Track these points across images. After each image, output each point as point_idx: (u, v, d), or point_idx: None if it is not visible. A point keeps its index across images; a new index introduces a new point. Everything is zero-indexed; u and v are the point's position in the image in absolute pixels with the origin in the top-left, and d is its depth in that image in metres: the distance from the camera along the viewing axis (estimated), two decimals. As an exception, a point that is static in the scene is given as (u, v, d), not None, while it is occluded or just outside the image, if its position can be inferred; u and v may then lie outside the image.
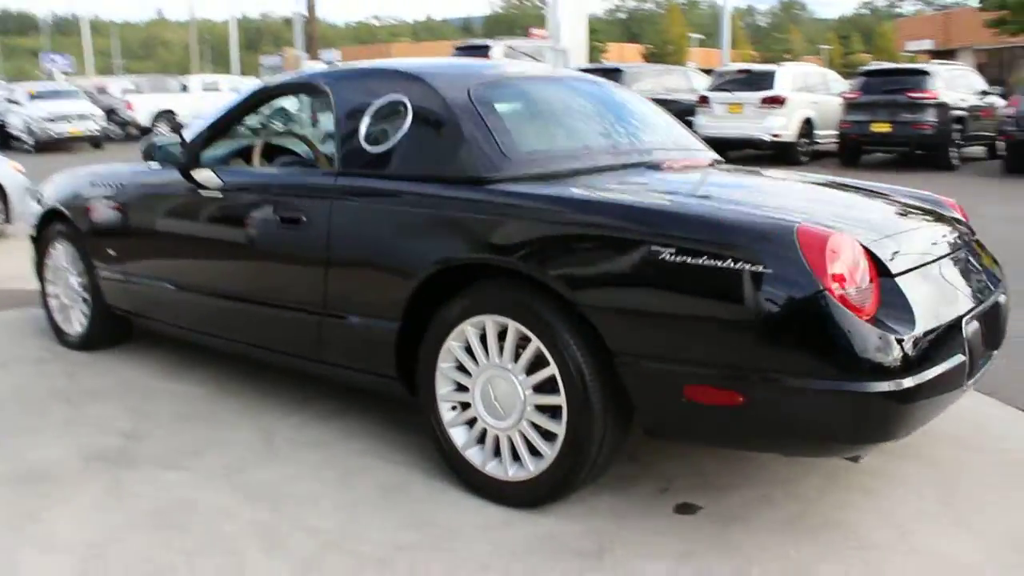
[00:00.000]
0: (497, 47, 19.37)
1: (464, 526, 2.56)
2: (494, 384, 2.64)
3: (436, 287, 2.74)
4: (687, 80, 17.43)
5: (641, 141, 3.32)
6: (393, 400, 3.11)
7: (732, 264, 2.23)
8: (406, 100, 2.97)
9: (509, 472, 2.65)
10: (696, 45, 70.57)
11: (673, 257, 2.30)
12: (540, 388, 2.57)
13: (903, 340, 2.21)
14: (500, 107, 2.98)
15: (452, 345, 2.71)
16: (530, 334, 2.53)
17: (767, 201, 2.68)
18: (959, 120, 13.46)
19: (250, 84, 3.74)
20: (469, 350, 2.70)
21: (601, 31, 71.62)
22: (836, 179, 3.34)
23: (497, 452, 2.70)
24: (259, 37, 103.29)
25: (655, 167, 3.13)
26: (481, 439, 2.73)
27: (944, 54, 46.14)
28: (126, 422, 3.37)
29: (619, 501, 2.71)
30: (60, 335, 4.49)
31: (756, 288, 2.21)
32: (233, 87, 25.34)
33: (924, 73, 13.51)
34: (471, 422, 2.75)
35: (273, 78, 3.81)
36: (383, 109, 3.03)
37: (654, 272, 2.32)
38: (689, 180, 3.09)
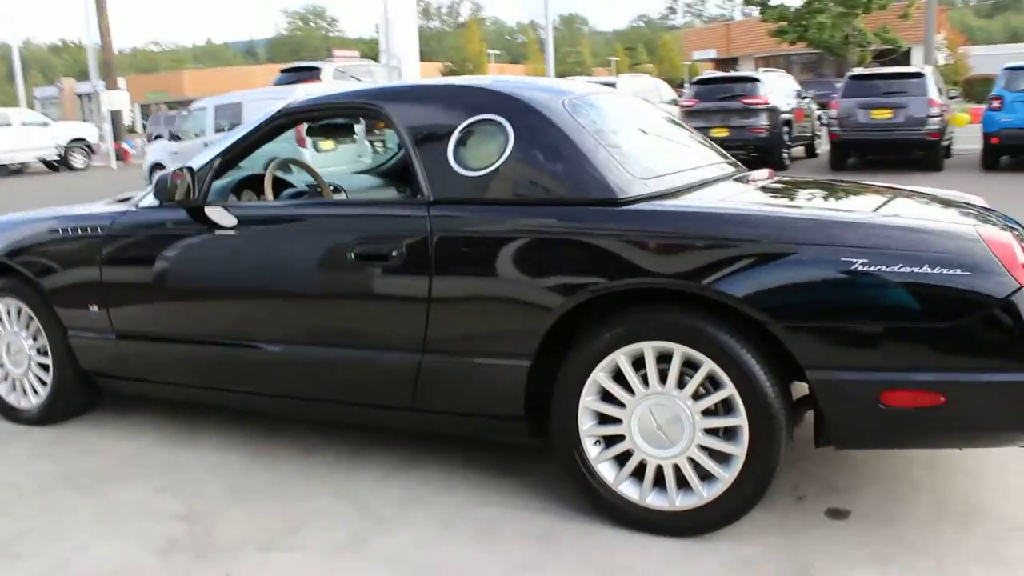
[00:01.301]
0: (328, 68, 18.85)
1: (643, 565, 2.40)
2: (656, 412, 2.50)
3: (567, 317, 2.57)
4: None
5: (705, 156, 3.28)
6: (473, 443, 2.89)
7: (929, 269, 2.23)
8: (502, 120, 2.75)
9: (676, 502, 2.51)
10: (492, 61, 72.07)
11: (867, 267, 2.26)
12: (710, 411, 2.46)
13: None
14: (599, 126, 2.83)
15: (599, 376, 2.54)
16: (702, 357, 2.41)
17: (911, 211, 2.69)
18: (787, 123, 14.50)
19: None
20: (619, 379, 2.54)
21: (374, 47, 71.61)
22: (882, 184, 3.43)
23: (655, 482, 2.55)
24: (24, 66, 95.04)
25: (744, 180, 3.10)
26: (636, 471, 2.57)
27: (727, 61, 49.83)
28: (174, 504, 2.92)
29: (771, 516, 2.64)
30: (6, 409, 3.87)
31: (955, 290, 2.22)
32: (25, 121, 23.18)
33: (754, 80, 14.43)
34: (622, 456, 2.58)
35: (297, 99, 3.42)
36: (473, 130, 2.79)
37: (847, 283, 2.28)
38: (812, 193, 3.06)
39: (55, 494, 3.06)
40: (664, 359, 2.49)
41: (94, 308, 3.46)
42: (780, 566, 2.37)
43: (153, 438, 3.54)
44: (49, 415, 3.75)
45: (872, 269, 2.27)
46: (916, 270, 2.25)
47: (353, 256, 2.82)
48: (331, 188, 3.95)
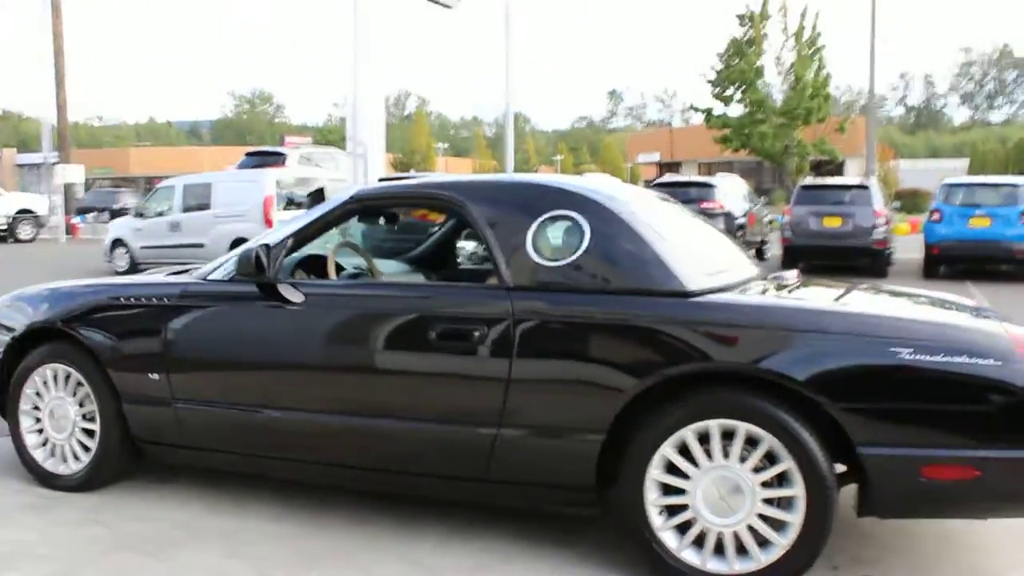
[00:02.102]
0: (293, 153, 19.21)
1: (713, 626, 2.61)
2: (718, 484, 2.76)
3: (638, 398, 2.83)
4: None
5: (739, 254, 3.63)
6: (525, 515, 3.08)
7: (967, 359, 2.58)
8: (577, 216, 3.06)
9: (735, 567, 2.76)
10: (440, 154, 73.44)
11: (913, 356, 2.60)
12: (768, 483, 2.73)
13: None
14: (660, 224, 3.17)
15: (667, 451, 2.80)
16: (764, 433, 2.70)
17: (938, 310, 3.06)
18: (741, 227, 15.22)
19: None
20: (684, 454, 2.80)
21: (327, 135, 72.48)
22: (899, 289, 3.82)
23: (716, 550, 2.79)
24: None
25: (781, 279, 3.44)
26: (697, 541, 2.81)
27: (671, 165, 51.80)
28: (245, 570, 3.04)
29: (814, 583, 2.88)
30: (43, 475, 3.90)
31: (988, 378, 2.57)
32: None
33: (710, 185, 15.21)
34: (683, 525, 2.82)
35: (367, 187, 3.68)
36: (550, 224, 3.09)
37: (895, 370, 2.61)
38: (847, 292, 3.38)
39: (120, 556, 3.15)
40: (726, 436, 2.76)
41: (154, 376, 3.59)
42: (835, 626, 2.62)
43: (201, 506, 3.64)
44: (90, 482, 3.81)
45: (917, 358, 2.61)
46: (954, 359, 2.60)
47: (435, 335, 3.05)
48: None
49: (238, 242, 14.37)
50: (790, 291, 3.26)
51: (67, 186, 26.79)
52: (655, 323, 2.84)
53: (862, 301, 3.20)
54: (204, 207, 14.73)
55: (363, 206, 3.58)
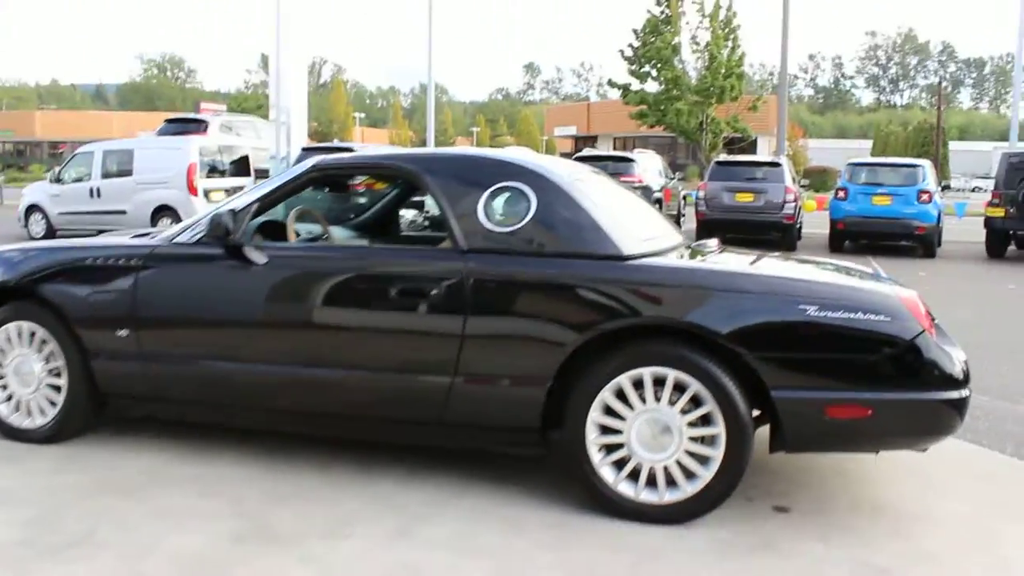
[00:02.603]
0: (214, 122, 18.97)
1: (646, 543, 3.02)
2: (651, 424, 3.16)
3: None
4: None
5: (666, 224, 4.02)
6: (471, 458, 3.43)
7: (862, 315, 3.03)
8: (525, 188, 3.40)
9: (665, 497, 3.17)
10: (358, 124, 72.63)
11: (817, 312, 3.04)
12: (694, 423, 3.14)
13: (964, 363, 3.15)
14: (598, 197, 3.53)
15: (606, 396, 3.18)
16: (690, 379, 3.10)
17: (832, 278, 3.49)
18: (658, 202, 15.81)
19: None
20: (621, 398, 3.19)
21: (242, 102, 70.86)
22: (806, 257, 4.28)
23: (648, 483, 3.19)
24: None
25: (705, 247, 3.84)
26: (631, 475, 3.20)
27: (587, 139, 52.53)
28: (221, 506, 3.30)
29: (730, 512, 3.30)
30: (9, 430, 4.05)
31: (880, 332, 3.03)
32: None
33: (630, 160, 15.76)
34: (619, 461, 3.22)
35: (328, 157, 3.91)
36: (500, 194, 3.42)
37: (803, 324, 3.04)
38: (762, 258, 3.79)
39: (100, 499, 3.37)
40: (657, 382, 3.16)
41: (122, 333, 3.79)
42: (751, 543, 3.06)
43: (168, 455, 3.87)
44: (58, 434, 3.99)
45: (822, 314, 3.04)
46: (853, 316, 3.04)
47: (395, 293, 3.36)
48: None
49: (161, 209, 14.25)
50: (712, 256, 3.67)
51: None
52: (594, 283, 3.20)
53: (774, 266, 3.64)
54: (125, 174, 14.54)
55: (324, 174, 3.84)
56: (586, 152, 18.21)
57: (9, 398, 4.08)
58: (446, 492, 3.46)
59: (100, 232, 14.83)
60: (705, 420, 3.14)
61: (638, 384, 3.18)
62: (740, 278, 3.23)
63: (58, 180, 15.36)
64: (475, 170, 3.55)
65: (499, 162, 3.59)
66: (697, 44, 34.27)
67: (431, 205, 5.48)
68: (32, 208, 15.44)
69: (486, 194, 3.42)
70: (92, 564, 2.83)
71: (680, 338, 3.15)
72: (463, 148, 3.83)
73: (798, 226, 14.89)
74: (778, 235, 14.50)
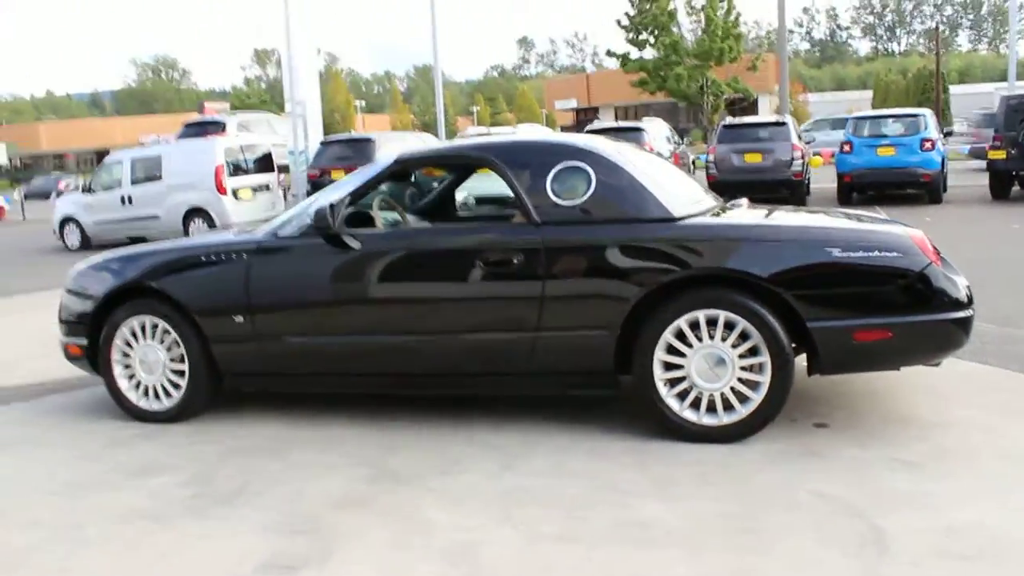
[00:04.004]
0: (231, 122, 19.52)
1: (712, 457, 3.61)
2: (708, 358, 3.74)
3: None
4: (424, 144, 18.95)
5: (697, 188, 4.58)
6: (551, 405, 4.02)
7: (879, 253, 3.60)
8: (584, 165, 3.97)
9: (723, 419, 3.75)
10: (358, 111, 72.90)
11: (842, 253, 3.61)
12: (743, 355, 3.72)
13: (968, 288, 3.72)
14: (644, 167, 4.10)
15: (668, 337, 3.76)
16: (737, 318, 3.67)
17: (851, 223, 4.05)
18: (669, 166, 16.27)
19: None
20: (680, 338, 3.76)
21: (244, 99, 71.31)
22: (822, 209, 4.84)
23: (708, 409, 3.78)
24: None
25: (737, 206, 4.40)
26: (694, 403, 3.78)
27: (587, 111, 52.84)
28: (344, 460, 3.87)
29: (778, 431, 3.88)
30: (139, 413, 4.65)
31: (894, 267, 3.61)
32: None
33: (639, 129, 16.19)
34: (682, 392, 3.80)
35: (408, 151, 4.48)
36: (564, 173, 3.98)
37: (829, 265, 3.62)
38: (790, 212, 4.35)
39: (240, 459, 3.96)
40: (710, 323, 3.73)
41: (238, 319, 4.37)
42: (798, 452, 3.65)
43: (286, 423, 4.45)
44: (182, 413, 4.59)
45: (845, 254, 3.61)
46: (871, 254, 3.61)
47: (482, 264, 3.94)
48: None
49: (192, 211, 14.84)
50: (745, 213, 4.23)
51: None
52: (651, 243, 3.78)
53: (800, 218, 4.20)
54: (155, 179, 15.09)
55: (406, 167, 4.41)
56: (596, 125, 18.69)
57: (137, 385, 4.67)
58: (536, 434, 4.05)
59: (132, 240, 15.47)
60: (752, 352, 3.71)
61: (694, 325, 3.75)
62: (774, 229, 3.81)
63: (89, 190, 15.93)
64: (540, 154, 4.12)
65: (559, 145, 4.16)
66: (693, 8, 34.54)
67: (474, 187, 6.05)
68: (67, 220, 16.02)
69: (552, 173, 3.98)
70: (258, 507, 3.42)
71: (727, 284, 3.72)
72: (526, 135, 4.38)
73: (806, 182, 15.36)
74: (787, 192, 14.98)
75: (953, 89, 49.10)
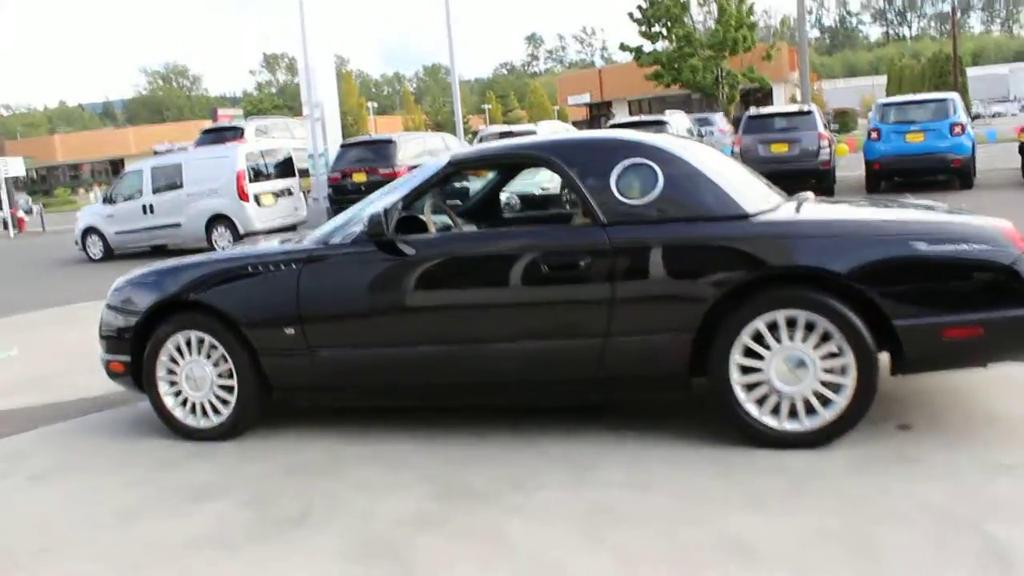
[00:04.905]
0: (250, 127, 19.45)
1: (797, 464, 3.43)
2: (787, 360, 3.56)
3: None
4: (444, 144, 18.80)
5: (762, 183, 4.39)
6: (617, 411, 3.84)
7: (967, 246, 3.42)
8: (650, 162, 3.79)
9: (806, 424, 3.57)
10: (371, 113, 72.82)
11: (928, 247, 3.42)
12: (825, 356, 3.54)
13: None
14: (711, 163, 3.92)
15: (745, 339, 3.58)
16: (818, 318, 3.49)
17: (932, 216, 3.86)
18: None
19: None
20: (758, 340, 3.58)
21: (257, 104, 71.36)
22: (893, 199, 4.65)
23: (779, 412, 3.60)
24: None
25: (804, 200, 4.21)
26: (774, 408, 3.61)
27: (600, 105, 52.57)
28: (408, 475, 3.73)
29: (860, 434, 3.69)
30: (186, 431, 4.50)
31: (983, 260, 3.43)
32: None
33: (663, 123, 16.01)
34: (762, 397, 3.62)
35: (462, 152, 4.32)
36: (629, 170, 3.81)
37: (915, 259, 3.43)
38: (863, 205, 4.21)
39: (300, 481, 3.80)
40: (789, 323, 3.55)
41: (289, 330, 4.22)
42: (887, 457, 3.47)
43: (341, 438, 4.28)
44: (232, 430, 4.44)
45: (932, 247, 3.43)
46: (959, 247, 3.43)
47: (547, 268, 3.77)
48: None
49: (215, 218, 14.75)
50: (818, 207, 4.04)
51: (7, 180, 26.41)
52: (727, 241, 3.60)
53: (877, 211, 4.01)
54: (175, 187, 15.02)
55: (460, 168, 4.24)
56: (615, 120, 18.50)
57: (184, 403, 4.52)
58: (605, 443, 3.88)
59: (155, 249, 15.42)
60: (835, 353, 3.53)
61: (772, 327, 3.57)
62: (855, 224, 3.62)
63: (110, 201, 15.87)
64: (602, 151, 3.95)
65: (622, 141, 3.99)
66: (705, -2, 34.25)
67: (516, 187, 5.89)
68: (88, 231, 15.96)
69: (616, 171, 3.81)
70: (327, 531, 3.27)
71: (807, 282, 3.54)
72: (585, 132, 4.22)
73: (833, 171, 15.12)
74: (815, 181, 14.73)
75: (968, 71, 48.53)
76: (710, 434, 3.83)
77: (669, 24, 34.09)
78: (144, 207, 15.26)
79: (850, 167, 17.61)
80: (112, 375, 4.73)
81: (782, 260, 3.54)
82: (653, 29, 34.59)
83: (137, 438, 4.61)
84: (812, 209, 3.96)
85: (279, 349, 4.25)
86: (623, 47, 35.71)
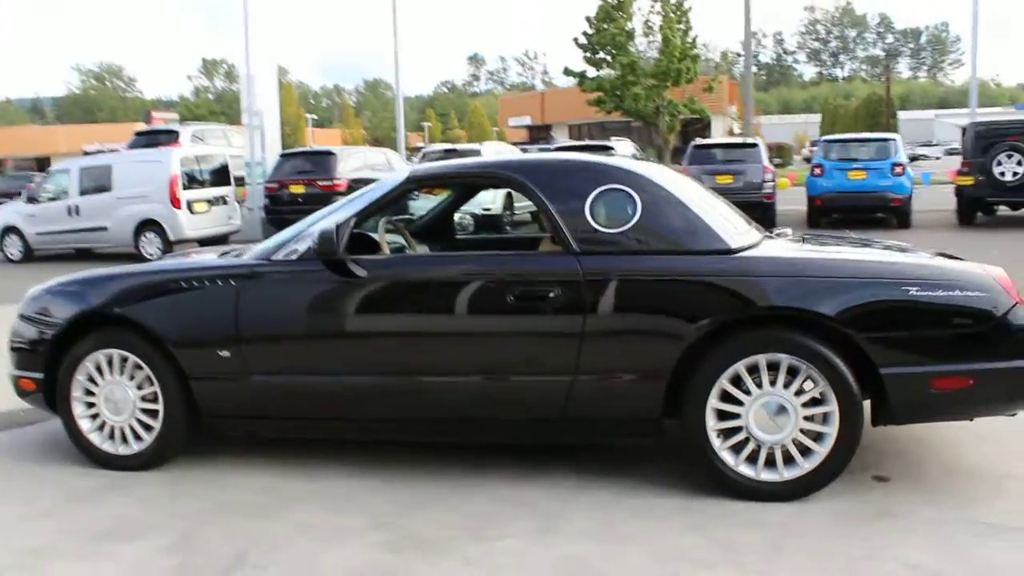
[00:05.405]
0: (185, 131, 18.78)
1: (774, 518, 3.20)
2: (767, 407, 3.33)
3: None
4: (386, 160, 18.42)
5: (740, 216, 4.18)
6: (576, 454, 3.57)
7: (960, 292, 3.25)
8: (628, 189, 3.55)
9: (784, 474, 3.35)
10: (310, 125, 71.76)
11: (920, 292, 3.24)
12: (807, 403, 3.32)
13: None
14: (690, 193, 3.69)
15: (723, 383, 3.35)
16: (802, 363, 3.28)
17: (923, 259, 3.67)
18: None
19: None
20: (736, 384, 3.35)
21: (193, 109, 69.75)
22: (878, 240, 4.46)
23: (756, 461, 3.37)
24: None
25: (784, 236, 4.01)
26: (750, 457, 3.37)
27: (541, 128, 52.72)
28: (358, 519, 3.39)
29: (835, 484, 3.48)
30: (103, 458, 4.06)
31: (977, 308, 3.26)
32: None
33: (609, 147, 15.91)
34: (737, 445, 3.39)
35: (422, 167, 4.00)
36: (605, 196, 3.55)
37: (906, 304, 3.25)
38: (848, 245, 4.03)
39: (233, 522, 3.42)
40: (770, 367, 3.33)
41: (224, 353, 3.84)
42: (868, 512, 3.27)
43: (278, 473, 3.91)
44: (153, 460, 4.02)
45: (924, 293, 3.25)
46: (952, 293, 3.25)
47: (511, 297, 3.48)
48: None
49: (145, 224, 14.09)
50: (805, 246, 3.85)
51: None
52: (709, 277, 3.37)
53: (867, 252, 3.83)
54: (104, 190, 14.35)
55: (419, 185, 3.93)
56: (559, 143, 18.38)
57: (101, 427, 4.09)
58: (566, 487, 3.60)
59: (79, 253, 14.69)
60: (817, 400, 3.32)
61: (752, 370, 3.34)
62: (845, 264, 3.43)
63: (32, 200, 15.09)
64: (577, 175, 3.68)
65: (598, 165, 3.73)
66: (650, 28, 34.55)
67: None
68: (8, 230, 15.12)
69: (591, 197, 3.55)
70: (262, 581, 2.91)
71: (791, 324, 3.33)
72: (560, 154, 3.96)
73: (774, 204, 15.23)
74: (758, 214, 14.76)
75: (899, 115, 50.14)
76: (678, 480, 3.59)
77: (614, 52, 34.25)
78: (69, 208, 14.53)
79: (788, 201, 17.78)
80: (21, 393, 4.27)
81: (769, 300, 3.32)
82: (598, 55, 34.73)
83: (46, 463, 4.16)
84: (796, 247, 3.76)
85: (212, 372, 3.87)
86: (567, 72, 35.76)
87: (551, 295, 3.45)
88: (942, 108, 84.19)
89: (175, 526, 3.40)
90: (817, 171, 14.68)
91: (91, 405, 4.09)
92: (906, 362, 3.27)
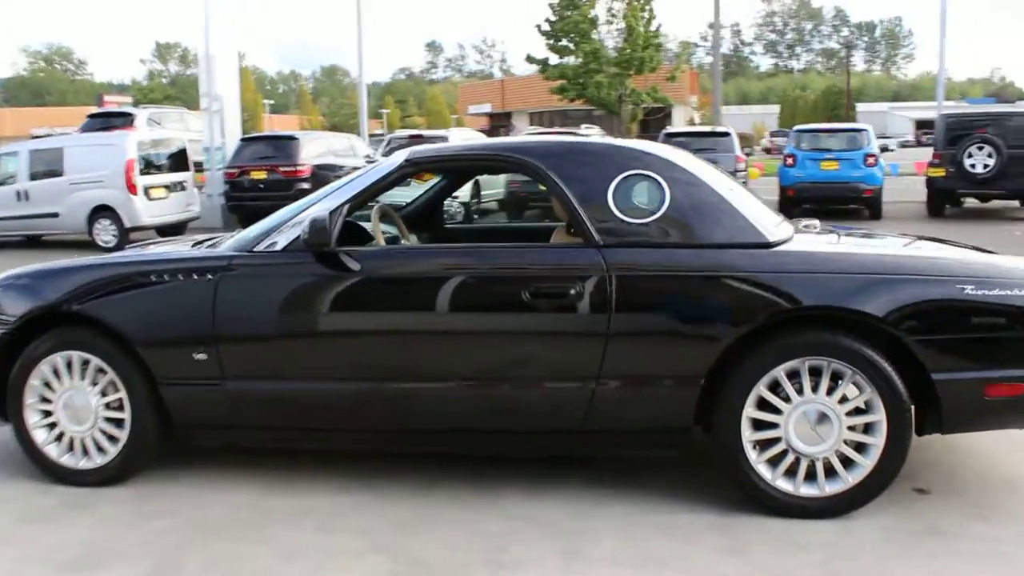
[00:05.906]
0: (141, 114, 18.05)
1: (817, 540, 2.92)
2: (808, 416, 3.04)
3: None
4: (350, 145, 17.92)
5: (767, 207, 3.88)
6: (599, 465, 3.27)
7: (1018, 292, 2.98)
8: (655, 175, 3.22)
9: (826, 489, 3.06)
10: (267, 111, 70.50)
11: (975, 291, 2.97)
12: (852, 412, 3.03)
13: None
14: (721, 181, 3.38)
15: (761, 390, 3.05)
16: (847, 367, 2.98)
17: (975, 255, 3.41)
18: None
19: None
20: (775, 391, 3.05)
21: (147, 93, 68.05)
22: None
23: (795, 474, 3.08)
24: None
25: (813, 228, 3.71)
26: (789, 470, 3.08)
27: (502, 115, 52.24)
28: (353, 540, 3.05)
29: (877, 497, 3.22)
30: (61, 472, 3.64)
31: None
32: None
33: (585, 136, 15.58)
34: (774, 457, 3.09)
35: (421, 149, 3.63)
36: (629, 183, 3.22)
37: (961, 304, 2.97)
38: (888, 238, 3.78)
39: (214, 546, 3.04)
40: (812, 372, 3.03)
41: (200, 356, 3.44)
42: (916, 528, 3.02)
43: (259, 487, 3.53)
44: (119, 474, 3.60)
45: (979, 292, 2.97)
46: (1008, 292, 2.98)
47: (528, 294, 3.13)
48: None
49: (99, 210, 13.45)
50: (846, 239, 3.56)
51: None
52: (748, 272, 3.05)
53: (917, 245, 3.55)
54: (55, 174, 13.68)
55: (417, 168, 3.56)
56: (537, 131, 18.02)
57: (59, 437, 3.66)
58: (582, 502, 3.28)
59: (29, 238, 14.01)
60: (862, 408, 3.03)
61: (792, 375, 3.05)
62: (894, 260, 3.14)
63: (-23, 185, 14.33)
64: (598, 159, 3.33)
65: (621, 149, 3.38)
66: (614, 16, 34.29)
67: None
68: (-46, 216, 14.35)
69: (615, 184, 3.22)
70: (252, 619, 2.55)
71: (836, 325, 3.03)
72: (576, 137, 3.62)
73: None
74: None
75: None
76: (700, 491, 3.30)
77: (577, 39, 33.93)
78: (18, 193, 13.81)
79: (757, 191, 17.63)
80: None
81: (812, 298, 3.02)
82: (560, 43, 34.37)
83: (1, 480, 3.72)
84: (834, 240, 3.47)
85: (185, 377, 3.46)
86: (529, 59, 35.36)
87: (572, 292, 3.12)
88: (895, 101, 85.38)
89: (147, 552, 3.02)
90: (789, 161, 14.52)
91: (48, 414, 3.66)
92: (960, 367, 3.00)
